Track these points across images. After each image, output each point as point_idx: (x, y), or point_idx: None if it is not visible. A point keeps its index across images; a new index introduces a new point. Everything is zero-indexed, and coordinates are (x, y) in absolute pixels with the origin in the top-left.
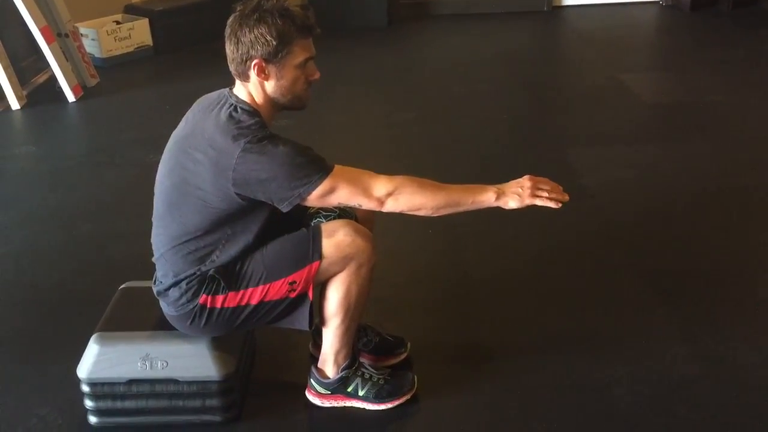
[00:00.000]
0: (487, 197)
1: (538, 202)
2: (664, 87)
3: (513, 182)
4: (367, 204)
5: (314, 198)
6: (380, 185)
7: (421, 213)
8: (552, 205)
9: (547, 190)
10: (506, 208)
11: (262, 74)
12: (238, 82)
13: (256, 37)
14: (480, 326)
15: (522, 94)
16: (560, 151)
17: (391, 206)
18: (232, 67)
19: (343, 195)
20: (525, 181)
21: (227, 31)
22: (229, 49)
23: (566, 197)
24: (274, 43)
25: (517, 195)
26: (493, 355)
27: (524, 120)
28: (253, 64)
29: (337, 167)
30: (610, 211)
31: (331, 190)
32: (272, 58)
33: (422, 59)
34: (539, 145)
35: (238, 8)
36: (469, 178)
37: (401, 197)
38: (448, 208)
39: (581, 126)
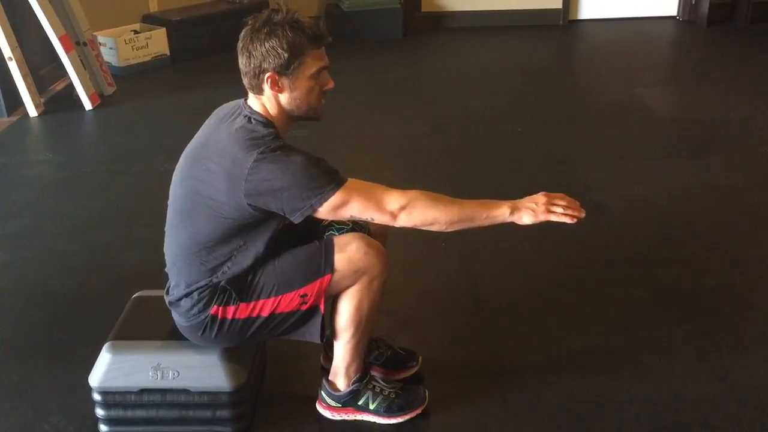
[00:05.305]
0: (501, 212)
1: (553, 218)
2: (680, 102)
3: (527, 198)
4: (379, 218)
5: (326, 210)
6: (393, 199)
7: (434, 228)
8: (567, 220)
9: (562, 206)
10: (520, 223)
11: (276, 87)
12: (251, 95)
13: (267, 51)
14: (492, 341)
15: (537, 107)
16: (575, 165)
17: (404, 221)
18: (245, 81)
19: (356, 208)
20: (540, 197)
21: (239, 45)
22: (242, 63)
23: (582, 213)
24: (286, 55)
25: (531, 210)
26: (504, 370)
27: (539, 134)
28: (266, 77)
29: (351, 180)
30: (625, 227)
31: (343, 203)
32: (285, 71)
33: (437, 71)
34: (554, 160)
35: (249, 22)
36: (484, 192)
37: (414, 212)
38: (462, 223)
39: (597, 141)
